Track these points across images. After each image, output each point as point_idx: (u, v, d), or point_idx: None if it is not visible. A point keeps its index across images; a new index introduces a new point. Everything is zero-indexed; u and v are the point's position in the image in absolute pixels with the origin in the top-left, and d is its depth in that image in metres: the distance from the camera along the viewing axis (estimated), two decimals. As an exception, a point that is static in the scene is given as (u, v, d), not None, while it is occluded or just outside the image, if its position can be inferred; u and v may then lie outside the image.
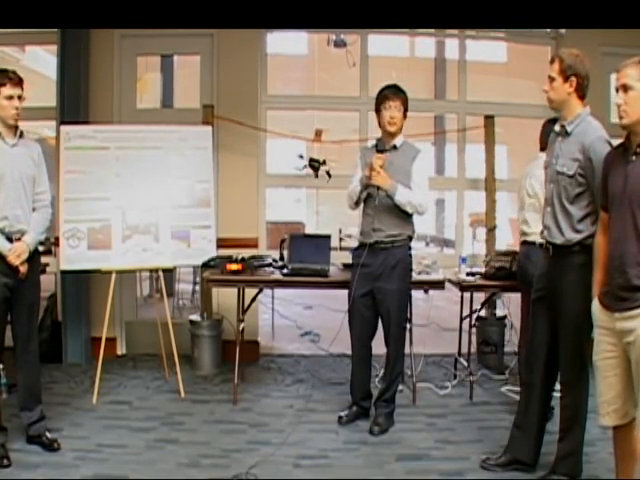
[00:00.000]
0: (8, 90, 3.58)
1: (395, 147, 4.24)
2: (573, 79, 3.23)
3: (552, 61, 3.30)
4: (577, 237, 3.26)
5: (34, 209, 3.81)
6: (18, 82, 3.63)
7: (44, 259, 4.30)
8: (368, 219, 4.24)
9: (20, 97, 3.64)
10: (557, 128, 3.38)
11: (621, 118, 2.83)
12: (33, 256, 3.78)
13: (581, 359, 3.32)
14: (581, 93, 3.27)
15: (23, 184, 3.71)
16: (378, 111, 4.24)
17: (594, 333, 3.03)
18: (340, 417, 4.36)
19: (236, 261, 4.83)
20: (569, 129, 3.28)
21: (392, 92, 4.21)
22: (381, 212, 4.17)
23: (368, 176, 4.09)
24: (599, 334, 2.97)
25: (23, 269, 3.67)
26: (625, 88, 2.79)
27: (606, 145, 3.16)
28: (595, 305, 3.00)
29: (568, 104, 3.29)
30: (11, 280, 3.64)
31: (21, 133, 3.75)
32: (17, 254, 3.63)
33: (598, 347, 2.98)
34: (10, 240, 3.65)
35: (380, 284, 4.20)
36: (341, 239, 5.41)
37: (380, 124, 4.27)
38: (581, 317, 3.26)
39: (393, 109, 4.17)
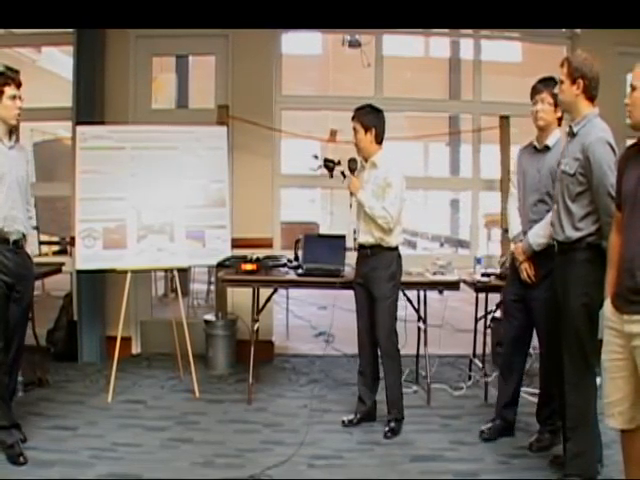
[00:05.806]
0: (12, 90, 3.61)
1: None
2: (580, 81, 3.25)
3: (562, 64, 3.34)
4: (577, 235, 3.28)
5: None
6: (20, 83, 3.67)
7: (60, 259, 4.32)
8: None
9: (20, 98, 3.67)
10: (567, 129, 3.43)
11: (628, 118, 2.83)
12: (30, 260, 3.84)
13: (584, 357, 3.28)
14: (589, 95, 3.29)
15: (19, 187, 3.74)
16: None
17: (604, 333, 2.95)
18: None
19: (251, 261, 4.84)
20: (575, 130, 3.33)
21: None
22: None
23: None
24: (608, 334, 2.90)
25: None
26: (633, 88, 2.79)
27: (605, 146, 3.18)
28: (607, 305, 2.94)
29: (576, 106, 3.32)
30: (9, 278, 3.64)
31: (16, 137, 3.78)
32: None
33: (607, 347, 2.91)
34: (7, 241, 3.65)
35: (534, 291, 3.82)
36: (355, 239, 5.39)
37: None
38: (582, 314, 3.25)
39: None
